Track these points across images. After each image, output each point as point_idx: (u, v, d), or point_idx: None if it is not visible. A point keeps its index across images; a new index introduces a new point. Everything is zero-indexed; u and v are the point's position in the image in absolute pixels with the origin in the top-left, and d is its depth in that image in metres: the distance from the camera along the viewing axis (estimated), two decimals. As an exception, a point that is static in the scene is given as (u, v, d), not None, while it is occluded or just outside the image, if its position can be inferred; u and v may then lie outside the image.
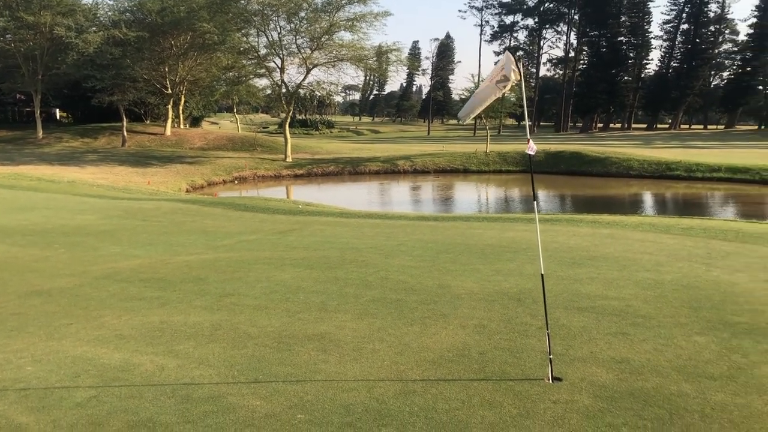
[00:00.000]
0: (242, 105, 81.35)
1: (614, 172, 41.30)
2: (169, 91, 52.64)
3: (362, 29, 45.88)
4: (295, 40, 46.34)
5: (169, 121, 54.87)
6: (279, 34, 46.54)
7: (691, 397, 5.04)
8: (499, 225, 15.20)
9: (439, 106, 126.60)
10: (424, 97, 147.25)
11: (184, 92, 57.27)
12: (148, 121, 62.26)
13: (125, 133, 51.05)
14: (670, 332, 6.60)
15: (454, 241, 12.86)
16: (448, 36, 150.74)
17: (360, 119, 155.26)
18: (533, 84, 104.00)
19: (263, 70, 50.06)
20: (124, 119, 51.46)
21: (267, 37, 47.25)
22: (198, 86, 57.86)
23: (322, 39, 45.73)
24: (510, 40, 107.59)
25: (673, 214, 23.32)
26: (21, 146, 48.58)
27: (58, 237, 14.18)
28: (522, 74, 5.34)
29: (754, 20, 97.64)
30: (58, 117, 62.11)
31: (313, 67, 47.18)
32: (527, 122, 6.04)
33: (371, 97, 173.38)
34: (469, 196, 37.82)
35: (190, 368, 5.88)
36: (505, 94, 50.58)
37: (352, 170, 45.25)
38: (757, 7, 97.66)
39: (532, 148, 5.59)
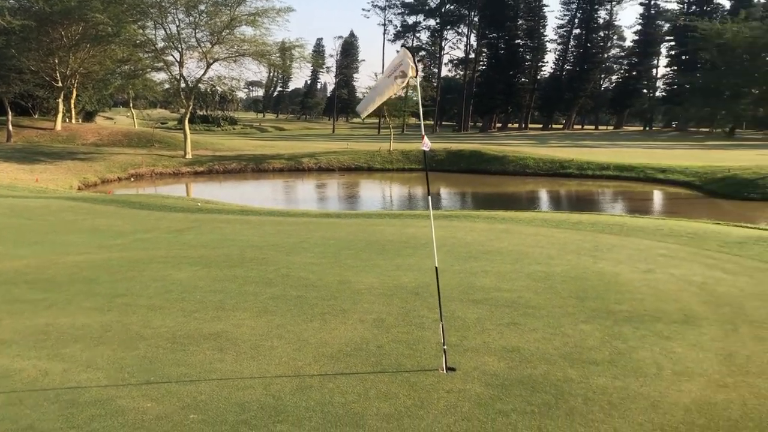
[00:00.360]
0: (139, 100, 78.21)
1: (512, 170, 42.76)
2: (60, 84, 49.89)
3: (264, 24, 45.24)
4: (195, 33, 45.06)
5: (60, 115, 51.98)
6: (177, 27, 45.10)
7: (576, 382, 5.31)
8: (400, 221, 15.41)
9: (344, 104, 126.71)
10: (329, 95, 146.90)
11: (75, 85, 54.45)
12: (36, 116, 58.78)
13: (11, 128, 47.88)
14: (558, 321, 6.92)
15: (356, 237, 12.92)
16: (352, 34, 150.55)
17: (264, 116, 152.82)
18: (435, 84, 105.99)
19: (161, 64, 48.34)
20: (10, 113, 48.24)
21: (165, 30, 45.69)
22: (91, 79, 55.15)
23: (223, 33, 44.70)
24: (413, 40, 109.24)
25: (565, 210, 24.44)
26: None
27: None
28: (418, 70, 5.44)
29: (639, 27, 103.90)
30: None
31: (213, 62, 46.04)
32: (422, 119, 6.16)
33: (275, 93, 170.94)
34: (373, 193, 38.11)
35: (76, 372, 5.62)
36: (409, 93, 51.21)
37: (255, 168, 44.54)
38: (641, 15, 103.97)
39: (426, 144, 5.71)
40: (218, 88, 52.11)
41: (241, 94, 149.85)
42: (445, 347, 5.74)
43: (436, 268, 6.20)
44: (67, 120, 55.14)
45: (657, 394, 5.07)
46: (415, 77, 5.37)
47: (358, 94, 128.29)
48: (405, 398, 5.03)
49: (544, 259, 10.23)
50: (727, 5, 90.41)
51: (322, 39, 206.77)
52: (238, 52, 46.26)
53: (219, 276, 9.28)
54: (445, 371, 5.56)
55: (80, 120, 62.70)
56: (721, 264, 9.83)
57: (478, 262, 10.04)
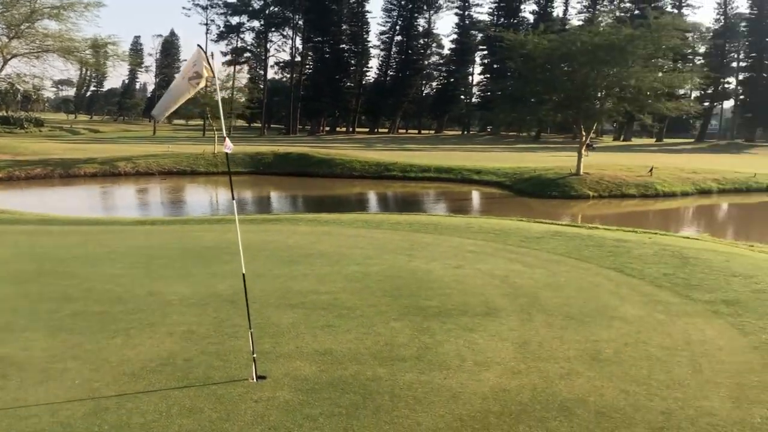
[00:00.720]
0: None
1: (339, 172, 43.30)
2: None
3: (71, 19, 41.88)
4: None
5: None
6: (-33, 17, 40.46)
7: (384, 380, 5.40)
8: (220, 227, 14.96)
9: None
10: (149, 95, 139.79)
11: None
12: None
13: None
14: (372, 321, 7.04)
15: (171, 245, 12.33)
16: (172, 33, 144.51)
17: (76, 117, 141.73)
18: (261, 86, 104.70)
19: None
20: None
21: (-48, 20, 40.79)
22: None
23: (22, 27, 40.76)
24: (237, 41, 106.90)
25: (389, 211, 25.17)
26: None
27: None
28: (214, 71, 5.24)
29: (455, 36, 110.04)
30: None
31: (11, 58, 41.83)
32: (223, 121, 5.97)
33: (88, 93, 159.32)
34: (196, 198, 36.74)
35: None
36: (235, 95, 50.05)
37: (63, 173, 41.07)
38: (456, 24, 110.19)
39: (228, 146, 5.53)
40: (19, 86, 47.50)
41: (48, 94, 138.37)
42: (254, 355, 5.60)
43: (243, 274, 6.04)
44: None
45: (458, 385, 5.30)
46: (213, 77, 5.18)
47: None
48: (210, 412, 4.82)
49: (362, 260, 10.40)
50: (532, 18, 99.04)
51: (140, 37, 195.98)
52: (40, 48, 42.44)
53: (8, 295, 8.37)
54: (255, 380, 5.42)
55: None
56: (521, 258, 10.61)
57: (299, 266, 9.98)
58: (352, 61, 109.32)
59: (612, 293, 8.32)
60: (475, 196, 36.89)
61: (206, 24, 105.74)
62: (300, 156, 46.74)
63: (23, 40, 41.75)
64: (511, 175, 38.83)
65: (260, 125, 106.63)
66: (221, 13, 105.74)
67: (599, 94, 37.41)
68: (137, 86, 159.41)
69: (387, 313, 7.32)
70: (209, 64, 5.13)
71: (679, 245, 12.08)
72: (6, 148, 46.82)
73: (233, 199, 6.32)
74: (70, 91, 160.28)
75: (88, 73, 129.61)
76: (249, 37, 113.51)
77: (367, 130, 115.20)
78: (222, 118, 6.00)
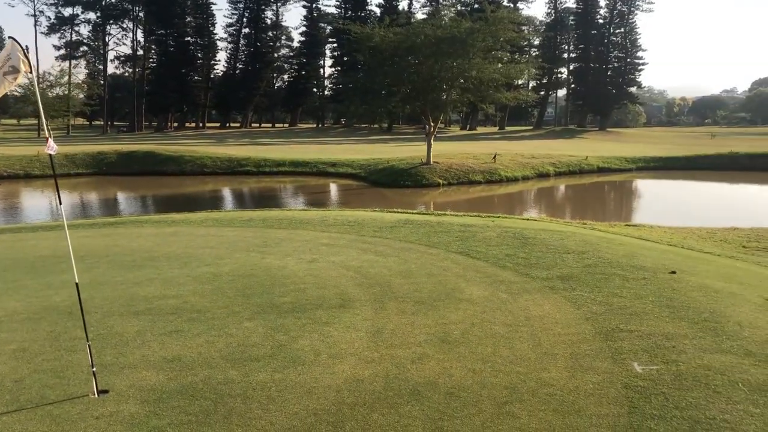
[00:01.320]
0: None
1: (189, 170, 41.76)
2: None
3: None
4: None
5: None
6: None
7: (236, 382, 5.27)
8: (56, 234, 13.89)
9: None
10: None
11: None
12: None
13: None
14: (223, 322, 6.85)
15: (0, 256, 11.28)
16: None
17: None
18: (102, 82, 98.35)
19: None
20: None
21: None
22: None
23: None
24: (71, 34, 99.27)
25: (243, 208, 24.64)
26: None
27: None
28: (31, 66, 4.82)
29: (304, 29, 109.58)
30: None
31: None
32: (45, 120, 5.52)
33: None
34: (31, 204, 33.92)
35: None
36: (72, 92, 46.70)
37: None
38: (305, 17, 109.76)
39: (51, 147, 5.12)
40: None
41: None
42: (94, 369, 5.25)
43: (77, 284, 5.63)
44: None
45: (312, 380, 5.28)
46: (30, 72, 4.75)
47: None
48: (45, 435, 4.45)
49: (212, 260, 10.10)
50: (378, 11, 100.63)
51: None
52: None
53: None
54: (96, 395, 5.08)
55: None
56: (374, 247, 10.79)
57: (143, 270, 9.50)
58: (199, 54, 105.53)
59: (459, 276, 8.68)
60: (332, 188, 37.06)
61: (34, 15, 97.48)
62: (146, 154, 44.54)
63: None
64: (365, 167, 39.39)
65: (102, 123, 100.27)
66: (51, 4, 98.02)
67: (444, 86, 38.79)
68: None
69: (240, 314, 7.15)
70: (27, 58, 4.71)
71: (520, 227, 12.84)
72: None
73: (59, 203, 5.86)
74: None
75: None
76: (85, 29, 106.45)
77: (218, 125, 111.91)
78: (42, 117, 5.54)
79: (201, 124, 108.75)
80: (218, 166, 42.21)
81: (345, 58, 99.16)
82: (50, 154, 5.14)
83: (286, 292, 7.98)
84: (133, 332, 6.62)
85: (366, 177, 37.73)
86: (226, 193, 36.20)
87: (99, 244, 11.79)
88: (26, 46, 4.82)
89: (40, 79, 73.59)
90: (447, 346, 6.04)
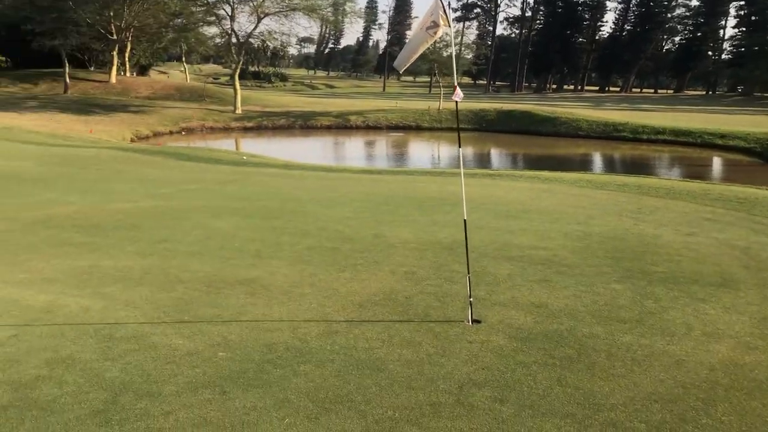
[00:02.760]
0: (192, 54, 78.94)
1: (563, 132, 41.87)
2: (115, 37, 50.72)
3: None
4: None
5: (114, 68, 52.98)
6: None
7: (601, 339, 5.28)
8: (442, 179, 15.36)
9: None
10: (381, 52, 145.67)
11: (130, 39, 55.27)
12: (92, 68, 60.02)
13: (68, 80, 49.12)
14: (591, 280, 6.86)
15: (396, 193, 12.95)
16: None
17: (315, 73, 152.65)
18: (489, 43, 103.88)
19: (213, 18, 48.67)
20: (67, 65, 49.40)
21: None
22: (145, 33, 55.87)
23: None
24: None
25: (614, 173, 23.89)
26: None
27: (-10, 182, 13.75)
28: (450, 21, 5.35)
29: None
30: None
31: (264, 16, 46.00)
32: (455, 72, 6.09)
33: (327, 50, 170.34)
34: (419, 152, 37.94)
35: (115, 310, 5.87)
36: (462, 52, 50.35)
37: (303, 124, 44.72)
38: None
39: (458, 95, 5.65)
40: (269, 43, 52.22)
41: (293, 51, 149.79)
42: (471, 300, 5.77)
43: (465, 221, 6.17)
44: (122, 73, 56.21)
45: (683, 353, 5.00)
46: (448, 26, 5.29)
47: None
48: (428, 346, 5.09)
49: (584, 219, 10.09)
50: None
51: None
52: (288, 6, 46.07)
53: (258, 226, 9.46)
54: (470, 323, 5.60)
55: (134, 73, 63.80)
56: (768, 229, 9.54)
57: (517, 221, 9.97)
58: (586, 16, 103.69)
59: None
60: (716, 162, 33.51)
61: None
62: (523, 114, 45.89)
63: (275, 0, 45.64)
64: (763, 141, 34.58)
65: (485, 82, 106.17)
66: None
67: None
68: (370, 44, 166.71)
69: (608, 275, 7.07)
70: (446, 14, 5.25)
71: None
72: (256, 101, 51.95)
73: (459, 147, 6.45)
74: (311, 49, 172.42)
75: (327, 30, 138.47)
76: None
77: (597, 88, 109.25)
78: (455, 67, 6.13)
79: (579, 87, 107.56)
80: (593, 129, 41.41)
81: (753, 18, 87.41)
82: (456, 101, 5.68)
83: (659, 262, 7.60)
84: (505, 275, 7.05)
85: (762, 153, 33.13)
86: (599, 157, 35.43)
87: (477, 193, 12.69)
88: (448, 2, 5.36)
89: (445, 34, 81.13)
90: None
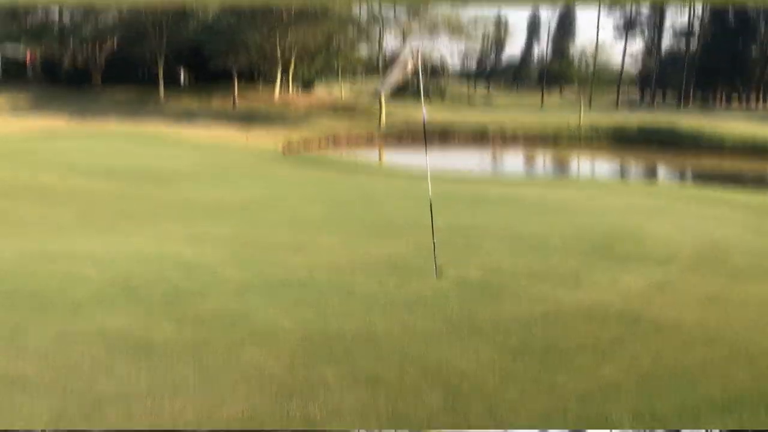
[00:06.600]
0: (348, 73, 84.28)
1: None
2: (279, 56, 56.11)
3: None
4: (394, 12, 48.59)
5: (278, 85, 58.52)
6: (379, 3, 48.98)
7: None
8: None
9: (558, 76, 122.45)
10: (546, 63, 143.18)
11: (293, 58, 60.64)
12: (259, 85, 66.39)
13: (236, 95, 55.23)
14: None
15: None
16: (567, 6, 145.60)
17: (476, 89, 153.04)
18: (653, 54, 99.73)
19: (364, 38, 52.64)
20: (236, 82, 55.58)
21: (368, 6, 49.77)
22: (306, 53, 61.06)
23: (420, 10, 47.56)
24: (631, 8, 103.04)
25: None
26: (144, 105, 53.97)
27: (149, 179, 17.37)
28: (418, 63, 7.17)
29: None
30: (181, 79, 67.58)
31: (408, 36, 49.21)
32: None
33: (487, 66, 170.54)
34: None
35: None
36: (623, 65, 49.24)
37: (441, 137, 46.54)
38: None
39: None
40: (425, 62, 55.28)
41: (454, 64, 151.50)
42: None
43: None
44: (285, 90, 61.78)
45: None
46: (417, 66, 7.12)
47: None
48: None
49: None
50: None
51: (538, 11, 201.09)
52: (431, 26, 48.84)
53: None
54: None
55: (298, 90, 69.62)
56: None
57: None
58: (762, 27, 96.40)
59: None
60: None
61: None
62: (662, 129, 44.44)
63: (420, 21, 48.61)
64: None
65: (648, 95, 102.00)
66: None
67: None
68: (533, 57, 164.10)
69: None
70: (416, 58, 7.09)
71: None
72: (401, 115, 54.72)
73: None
74: (472, 63, 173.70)
75: (488, 45, 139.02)
76: (644, 7, 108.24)
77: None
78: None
79: (755, 103, 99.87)
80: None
81: None
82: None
83: None
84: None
85: None
86: None
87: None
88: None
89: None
90: None
